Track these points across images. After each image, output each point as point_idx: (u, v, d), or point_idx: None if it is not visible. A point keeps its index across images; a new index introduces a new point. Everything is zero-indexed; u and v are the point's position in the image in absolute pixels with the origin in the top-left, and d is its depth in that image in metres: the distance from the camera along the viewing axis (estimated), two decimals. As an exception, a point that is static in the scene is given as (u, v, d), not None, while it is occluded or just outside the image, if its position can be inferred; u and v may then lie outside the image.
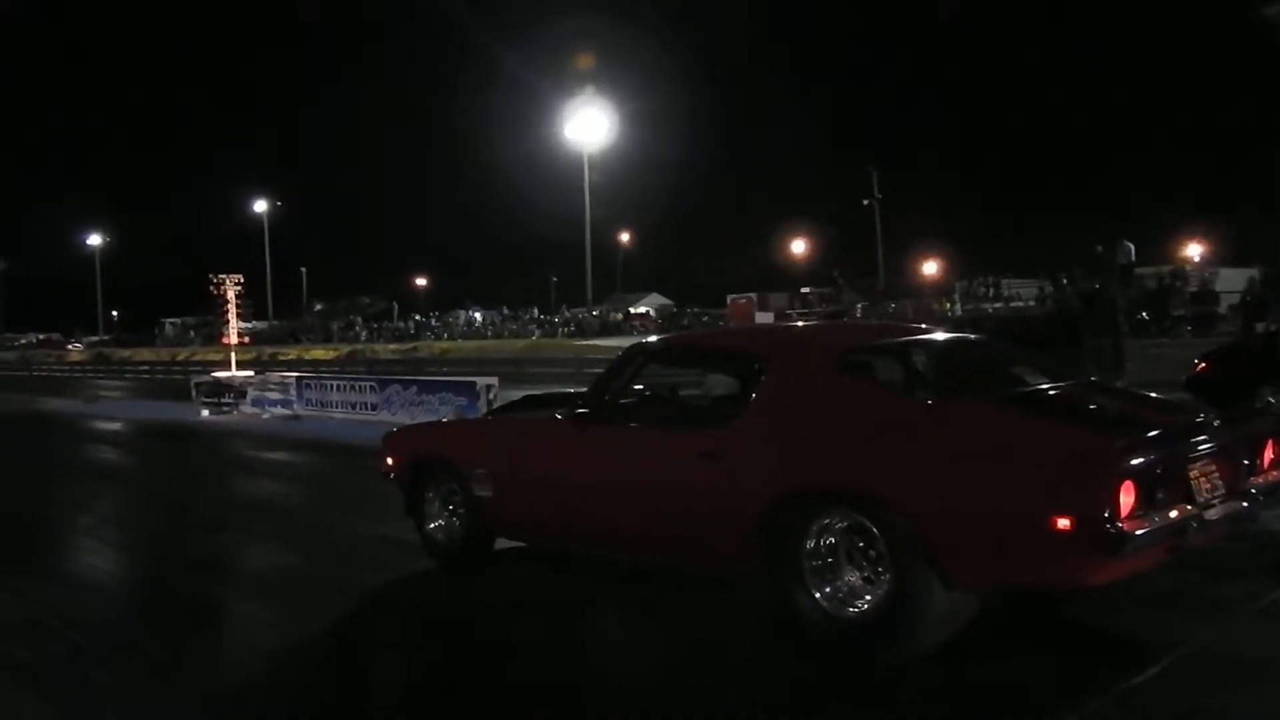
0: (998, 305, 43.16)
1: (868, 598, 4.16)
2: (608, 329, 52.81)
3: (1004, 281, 48.88)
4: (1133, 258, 18.89)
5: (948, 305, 46.09)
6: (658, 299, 77.39)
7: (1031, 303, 39.51)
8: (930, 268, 61.60)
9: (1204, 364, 10.43)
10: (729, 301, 59.34)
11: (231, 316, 21.90)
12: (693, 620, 4.96)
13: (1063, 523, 3.60)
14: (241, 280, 22.01)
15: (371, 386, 16.25)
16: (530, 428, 5.89)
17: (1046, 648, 4.36)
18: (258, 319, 59.02)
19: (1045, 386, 4.80)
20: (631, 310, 64.88)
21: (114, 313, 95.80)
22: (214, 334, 37.55)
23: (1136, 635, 4.44)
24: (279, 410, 17.59)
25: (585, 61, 50.78)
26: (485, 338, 56.11)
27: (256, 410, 18.03)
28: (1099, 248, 18.50)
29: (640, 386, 5.57)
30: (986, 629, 4.25)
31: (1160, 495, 3.78)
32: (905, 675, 4.01)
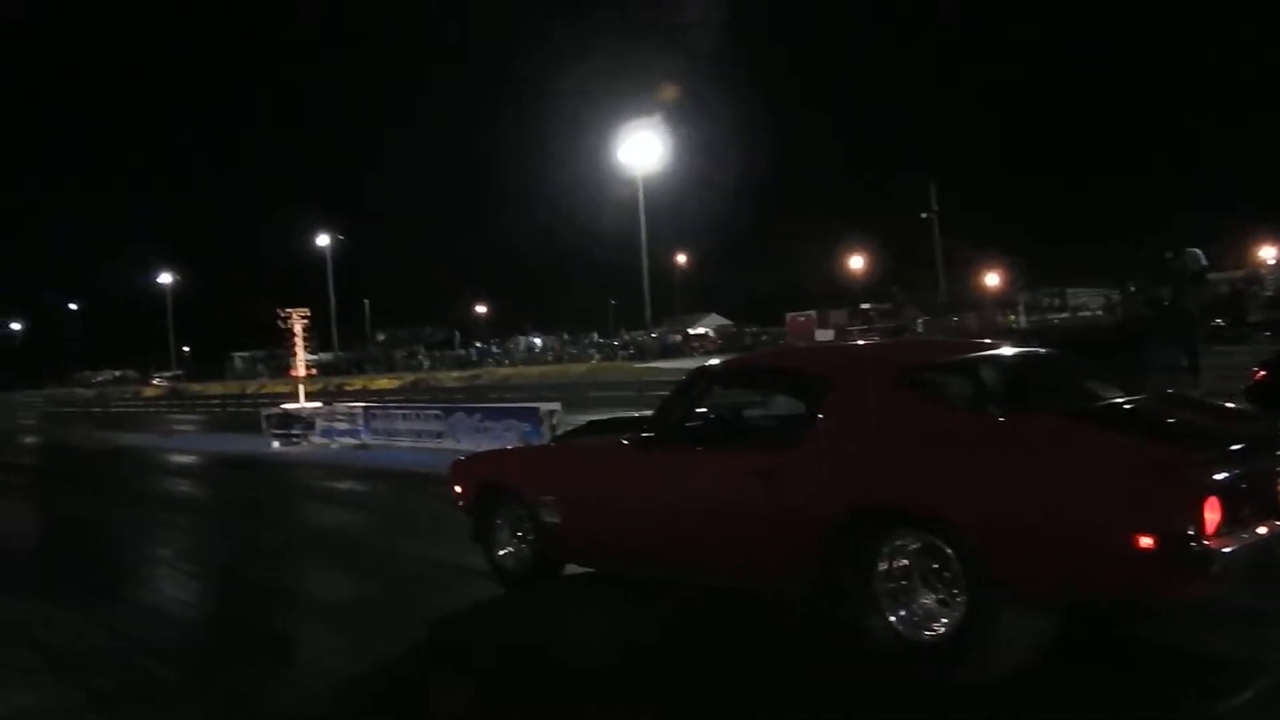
0: (1063, 316, 42.44)
1: (944, 620, 4.07)
2: (668, 351, 52.90)
3: (1069, 291, 48.05)
4: (1204, 263, 18.46)
5: (1012, 317, 45.42)
6: (716, 319, 77.27)
7: (1099, 312, 38.80)
8: (992, 279, 60.73)
9: (1263, 371, 10.17)
10: (788, 319, 59.09)
11: (299, 349, 22.31)
12: (763, 641, 4.91)
13: (1146, 541, 3.49)
14: (308, 314, 22.43)
15: (437, 415, 16.41)
16: (596, 453, 5.91)
17: (1122, 668, 4.23)
18: (322, 350, 60.05)
19: (1120, 399, 4.65)
20: (690, 331, 64.88)
21: (185, 348, 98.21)
22: (282, 366, 38.32)
23: (1222, 655, 4.28)
24: (347, 440, 17.84)
25: (668, 93, 50.97)
26: (546, 363, 56.52)
27: (325, 440, 18.31)
28: (1168, 254, 18.11)
29: (704, 410, 5.55)
30: (1059, 646, 4.14)
31: (1246, 510, 3.64)
32: (980, 697, 3.93)
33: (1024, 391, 4.89)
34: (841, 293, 64.49)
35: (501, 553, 6.13)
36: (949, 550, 3.99)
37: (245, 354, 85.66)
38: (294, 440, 18.76)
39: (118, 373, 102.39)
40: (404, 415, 17.35)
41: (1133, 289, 27.18)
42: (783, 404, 5.80)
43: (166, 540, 9.50)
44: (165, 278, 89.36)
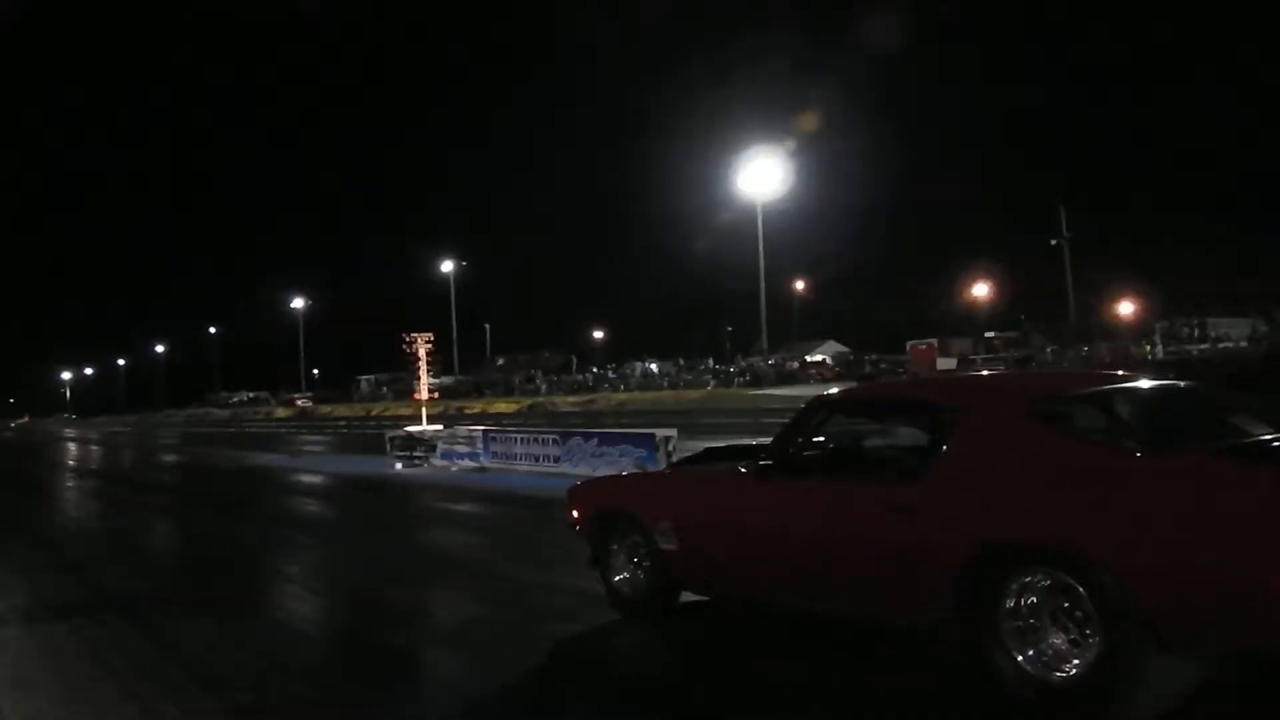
0: (1203, 346, 40.50)
1: (1075, 661, 3.95)
2: (784, 378, 52.42)
3: (1210, 321, 45.84)
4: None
5: (1147, 347, 43.58)
6: (834, 346, 76.36)
7: (1243, 343, 36.89)
8: (1126, 308, 58.40)
9: None
10: (909, 348, 57.96)
11: (423, 373, 22.88)
12: (884, 671, 4.78)
13: None
14: (432, 339, 23.00)
15: (554, 439, 16.61)
16: (713, 480, 5.92)
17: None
18: (444, 374, 61.51)
19: (1268, 436, 4.48)
20: (808, 358, 64.23)
21: (315, 371, 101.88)
22: (405, 390, 39.41)
23: None
24: (466, 463, 18.20)
25: (808, 123, 50.95)
26: (661, 389, 56.62)
27: (446, 463, 18.71)
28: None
29: (823, 439, 5.52)
30: (1211, 695, 3.97)
31: None
32: None
33: (1163, 426, 4.73)
34: (965, 321, 62.97)
35: (618, 579, 6.16)
36: (1081, 589, 3.88)
37: (370, 377, 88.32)
38: (416, 462, 19.22)
39: (250, 394, 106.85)
40: (522, 439, 17.61)
41: (1278, 318, 25.75)
42: (902, 434, 5.69)
43: (296, 559, 9.81)
44: (298, 303, 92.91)
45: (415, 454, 19.44)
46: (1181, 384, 5.55)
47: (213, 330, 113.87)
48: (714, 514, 5.58)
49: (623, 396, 55.31)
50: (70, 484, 22.79)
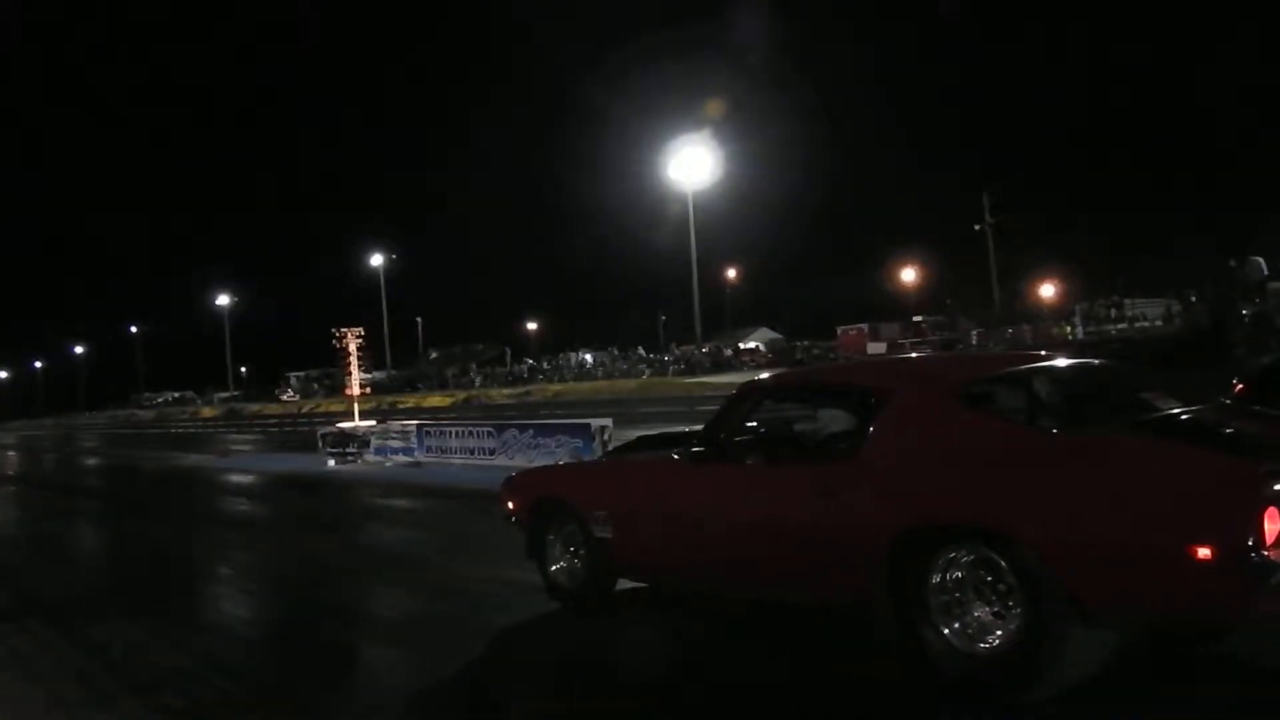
0: (1121, 327, 41.69)
1: (998, 633, 4.08)
2: (719, 366, 52.75)
3: (1128, 302, 47.17)
4: (1264, 273, 18.05)
5: (1068, 329, 44.71)
6: (767, 333, 77.03)
7: (1159, 323, 38.07)
8: (1048, 290, 59.82)
9: (1242, 385, 10.41)
10: (839, 333, 58.72)
11: (354, 368, 22.59)
12: (817, 654, 4.90)
13: (1204, 552, 3.48)
14: (363, 333, 22.71)
15: (489, 431, 16.52)
16: (647, 468, 5.96)
17: (1196, 687, 4.16)
18: (376, 369, 60.74)
19: (1177, 411, 4.61)
20: (741, 346, 64.69)
21: (243, 369, 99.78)
22: (337, 386, 38.86)
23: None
24: (401, 458, 18.02)
25: (714, 109, 51.14)
26: (597, 379, 56.61)
27: (380, 459, 18.50)
28: (1232, 263, 17.78)
29: (754, 424, 5.56)
30: (1131, 666, 4.14)
31: None
32: (1039, 714, 3.90)
33: (1079, 404, 4.88)
34: (894, 306, 63.99)
35: (555, 568, 6.19)
36: (1004, 563, 4.00)
37: (301, 374, 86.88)
38: (349, 458, 18.99)
39: (176, 394, 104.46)
40: (457, 433, 17.49)
41: (1194, 299, 26.55)
42: (834, 418, 5.75)
43: (229, 559, 9.66)
44: (223, 300, 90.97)
45: (348, 450, 19.20)
46: (1098, 362, 5.70)
47: (134, 329, 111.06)
48: (647, 502, 5.63)
49: (558, 387, 55.17)
50: (-12, 490, 22.10)
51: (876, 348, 52.50)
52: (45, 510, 16.55)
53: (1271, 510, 3.48)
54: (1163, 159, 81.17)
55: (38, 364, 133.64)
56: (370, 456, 18.73)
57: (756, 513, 4.96)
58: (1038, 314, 52.55)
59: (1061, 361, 5.43)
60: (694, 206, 48.26)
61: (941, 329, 53.53)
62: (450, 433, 17.64)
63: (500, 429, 16.31)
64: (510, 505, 6.55)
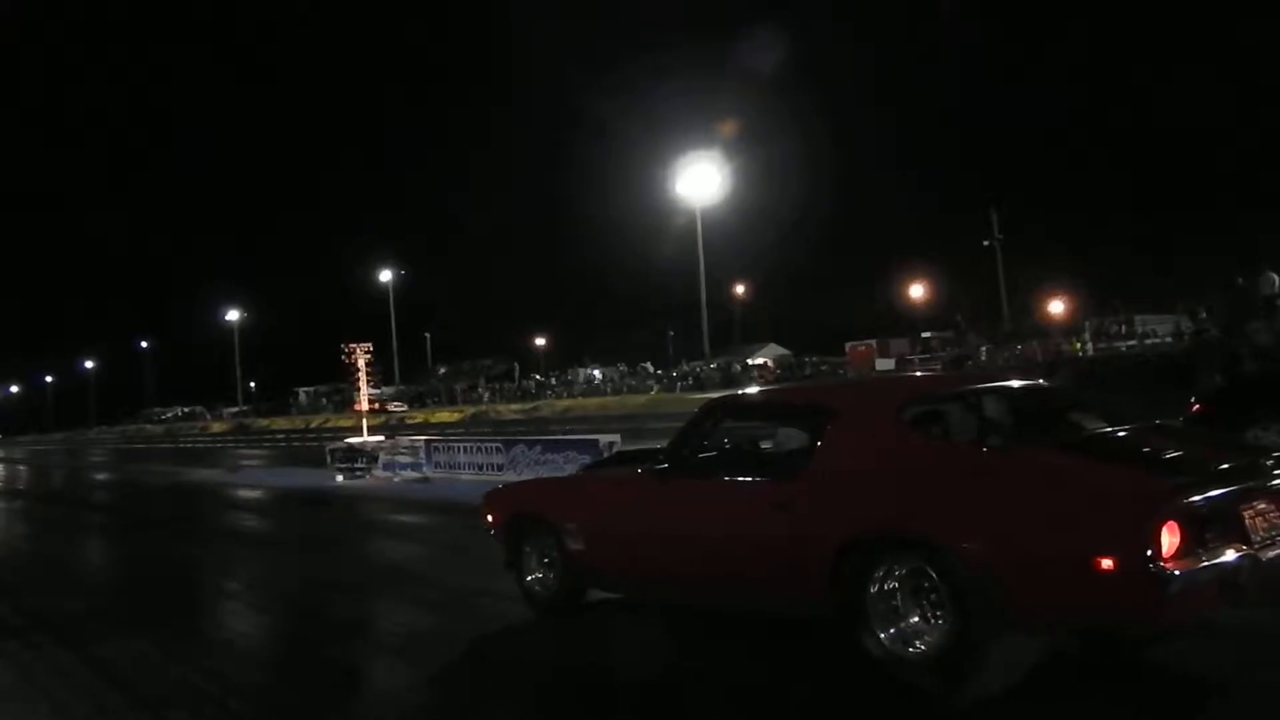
0: (1131, 343, 41.53)
1: (929, 638, 4.32)
2: (729, 381, 52.68)
3: (1138, 318, 47.00)
4: (1276, 288, 17.97)
5: (1078, 345, 44.56)
6: (776, 349, 76.89)
7: (1169, 339, 37.89)
8: (1057, 306, 59.68)
9: (1200, 405, 10.82)
10: (848, 349, 58.58)
11: (363, 383, 22.63)
12: (780, 662, 5.03)
13: (1106, 563, 3.75)
14: (371, 349, 22.76)
15: (497, 448, 16.53)
16: (615, 483, 6.27)
17: (1122, 691, 4.37)
18: (385, 384, 60.76)
19: (1107, 430, 4.91)
20: (749, 361, 64.62)
21: (251, 384, 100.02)
22: (346, 401, 38.92)
23: (1216, 674, 4.45)
24: (409, 473, 18.02)
25: (722, 124, 51.20)
26: (605, 395, 56.56)
27: (388, 474, 18.51)
28: (1240, 279, 17.70)
29: (726, 441, 5.85)
30: (1062, 672, 4.45)
31: (1209, 535, 3.86)
32: (971, 714, 4.13)
33: (1012, 424, 5.24)
34: (904, 322, 63.84)
35: (530, 578, 6.42)
36: (934, 574, 4.25)
37: (310, 389, 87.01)
38: (358, 474, 18.99)
39: (185, 409, 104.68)
40: (465, 448, 17.50)
41: (1204, 315, 26.45)
42: (789, 436, 5.99)
43: (237, 575, 9.65)
44: (233, 315, 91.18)
45: (357, 466, 19.20)
46: (1041, 384, 6.05)
47: (144, 344, 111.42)
48: (615, 515, 5.86)
49: (566, 403, 55.15)
50: (-2, 505, 22.15)
51: (885, 363, 52.37)
52: (53, 525, 16.58)
53: (1171, 524, 3.72)
54: (1177, 172, 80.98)
55: (47, 379, 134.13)
56: (379, 472, 18.74)
57: (714, 527, 5.21)
58: (1047, 330, 52.41)
59: (1003, 383, 5.90)
60: (702, 222, 48.30)
61: (950, 345, 53.40)
62: (459, 448, 17.65)
63: (509, 445, 16.32)
64: (490, 518, 6.79)
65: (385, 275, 78.08)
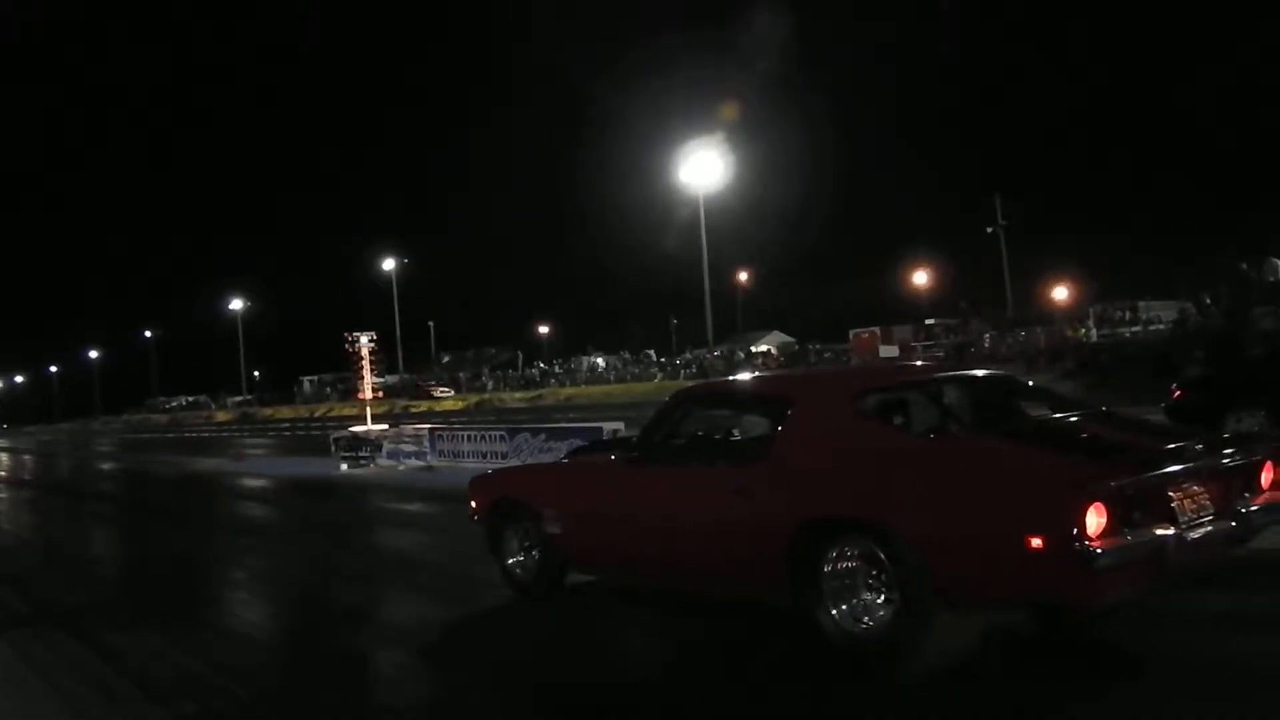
0: (1135, 329, 41.46)
1: (879, 614, 4.55)
2: (733, 369, 52.68)
3: (1141, 304, 46.89)
4: (1280, 274, 17.97)
5: (1082, 331, 44.50)
6: (779, 337, 76.84)
7: (1173, 325, 37.83)
8: (1061, 293, 59.55)
9: (1179, 391, 11.24)
10: (851, 336, 58.51)
11: (366, 372, 22.67)
12: (746, 645, 5.25)
13: (1036, 542, 3.97)
14: (375, 337, 22.78)
15: (501, 436, 16.57)
16: (591, 470, 6.51)
17: (1063, 665, 4.58)
18: (389, 373, 60.77)
19: (1050, 418, 5.22)
20: (753, 349, 64.58)
21: (256, 373, 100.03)
22: (350, 390, 38.95)
23: (1146, 649, 4.68)
24: (413, 462, 18.07)
25: (725, 112, 51.02)
26: (609, 383, 56.60)
27: (392, 462, 18.56)
28: (1243, 265, 17.66)
29: (699, 430, 6.06)
30: (1012, 649, 4.78)
31: (1137, 516, 4.08)
32: (918, 688, 4.34)
33: (964, 412, 5.50)
34: (908, 309, 63.77)
35: (510, 561, 6.63)
36: (882, 554, 4.48)
37: (314, 377, 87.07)
38: (362, 462, 19.05)
39: (190, 399, 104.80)
40: (469, 437, 17.55)
41: (1208, 301, 26.40)
42: (754, 423, 6.22)
43: (242, 565, 9.69)
44: (237, 304, 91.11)
45: (361, 454, 19.26)
46: (990, 374, 6.28)
47: (149, 334, 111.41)
48: (590, 501, 6.09)
49: (570, 391, 55.22)
50: (2, 495, 22.22)
51: (889, 350, 52.33)
52: (60, 515, 16.63)
53: (1098, 505, 3.92)
54: (1181, 160, 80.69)
55: (53, 368, 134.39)
56: (383, 460, 18.79)
57: (681, 511, 5.43)
58: (1052, 316, 52.33)
59: (955, 373, 6.26)
60: (706, 209, 48.20)
61: (954, 331, 53.35)
62: (462, 437, 17.70)
63: (513, 433, 16.35)
64: (474, 504, 7.00)
65: (389, 264, 78.03)
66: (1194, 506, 4.28)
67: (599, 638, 5.91)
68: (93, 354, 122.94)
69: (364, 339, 22.63)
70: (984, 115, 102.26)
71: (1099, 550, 3.88)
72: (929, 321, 58.79)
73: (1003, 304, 55.97)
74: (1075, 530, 3.88)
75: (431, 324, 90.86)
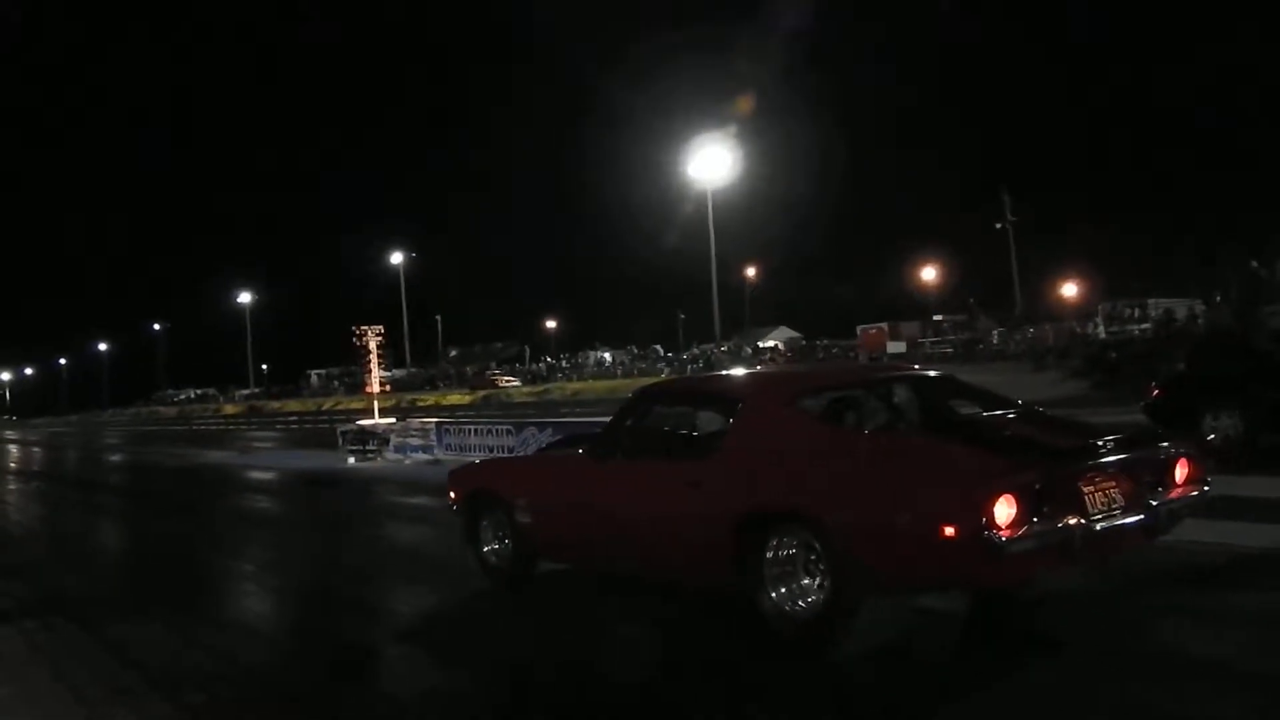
0: (1144, 327, 41.29)
1: (811, 598, 4.89)
2: (742, 365, 52.64)
3: (1151, 301, 46.70)
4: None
5: (1091, 327, 44.35)
6: (786, 332, 76.86)
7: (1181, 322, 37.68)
8: (1070, 290, 59.36)
9: (1158, 390, 11.37)
10: (859, 332, 58.44)
11: (374, 366, 22.70)
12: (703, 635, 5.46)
13: (949, 530, 4.26)
14: (382, 331, 22.81)
15: (508, 430, 16.58)
16: (558, 463, 6.83)
17: (989, 648, 5.00)
18: (396, 367, 60.83)
19: (976, 415, 5.67)
20: (760, 345, 64.54)
21: (263, 366, 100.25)
22: (357, 383, 39.05)
23: (1071, 637, 4.96)
24: (420, 456, 18.10)
25: (733, 107, 50.86)
26: (615, 377, 56.55)
27: (400, 456, 18.59)
28: (1254, 263, 17.59)
29: (666, 426, 6.49)
30: (943, 633, 5.23)
31: (1046, 508, 4.37)
32: (846, 667, 4.73)
33: (895, 410, 5.81)
34: (917, 305, 63.64)
35: (486, 549, 6.89)
36: (815, 543, 4.80)
37: (321, 371, 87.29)
38: (369, 456, 19.09)
39: (198, 392, 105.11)
40: (476, 430, 17.56)
41: (1219, 299, 26.28)
42: (710, 420, 6.48)
43: (249, 557, 9.70)
44: (244, 298, 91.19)
45: (368, 448, 19.30)
46: (927, 373, 6.55)
47: (157, 327, 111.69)
48: (557, 492, 6.39)
49: (577, 386, 55.22)
50: (11, 486, 22.31)
51: (896, 346, 52.26)
52: (68, 507, 16.70)
53: (1007, 497, 4.23)
54: (1193, 157, 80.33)
55: (61, 361, 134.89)
56: (390, 454, 18.83)
57: (639, 503, 5.73)
58: (1060, 313, 52.18)
59: (895, 374, 6.76)
60: (713, 205, 48.14)
61: (962, 328, 53.24)
62: (469, 430, 17.72)
63: (519, 427, 16.37)
64: (453, 495, 7.25)
65: (396, 258, 78.10)
66: (1104, 499, 4.61)
67: (596, 626, 5.94)
68: (101, 347, 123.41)
69: (372, 333, 22.66)
70: (993, 109, 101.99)
71: (1006, 539, 4.19)
72: (937, 318, 58.68)
73: (1011, 301, 55.81)
74: (984, 520, 4.19)
75: (439, 318, 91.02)
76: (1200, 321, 28.76)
